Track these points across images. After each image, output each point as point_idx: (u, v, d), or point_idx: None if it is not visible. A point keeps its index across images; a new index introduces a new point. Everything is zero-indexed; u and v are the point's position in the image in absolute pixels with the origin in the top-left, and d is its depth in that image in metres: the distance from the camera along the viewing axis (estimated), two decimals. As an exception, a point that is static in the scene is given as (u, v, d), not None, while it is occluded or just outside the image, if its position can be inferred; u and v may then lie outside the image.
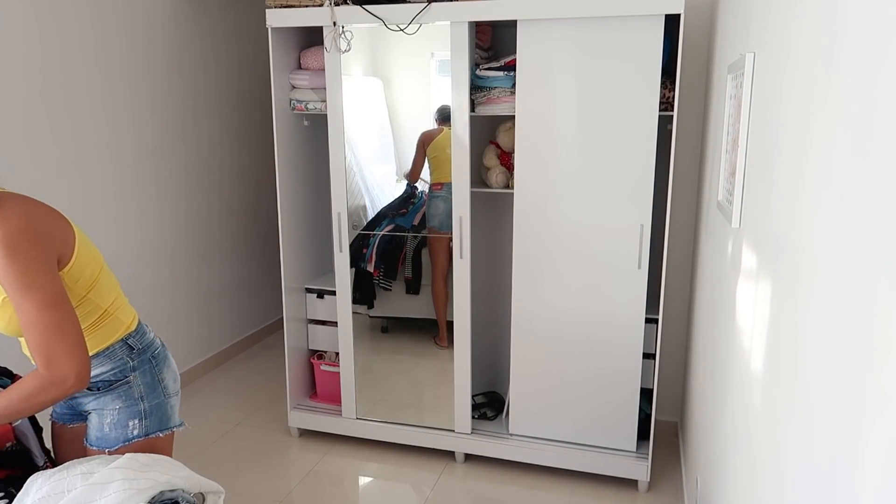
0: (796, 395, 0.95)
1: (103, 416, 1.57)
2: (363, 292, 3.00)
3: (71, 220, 1.47)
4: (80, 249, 1.44)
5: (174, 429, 1.64)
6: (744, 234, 1.48)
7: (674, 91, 2.39)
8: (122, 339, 1.55)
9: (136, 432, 1.57)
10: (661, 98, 2.39)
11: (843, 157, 0.79)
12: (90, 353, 1.47)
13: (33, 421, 1.70)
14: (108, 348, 1.53)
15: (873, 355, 0.66)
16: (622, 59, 2.35)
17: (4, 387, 1.63)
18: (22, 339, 1.44)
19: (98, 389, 1.56)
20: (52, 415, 1.73)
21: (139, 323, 1.62)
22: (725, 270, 1.75)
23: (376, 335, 3.17)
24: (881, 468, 0.62)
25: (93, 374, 1.52)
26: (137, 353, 1.57)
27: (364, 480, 2.83)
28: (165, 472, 1.40)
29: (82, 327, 1.43)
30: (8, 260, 1.27)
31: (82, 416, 1.66)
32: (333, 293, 2.95)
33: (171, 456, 1.66)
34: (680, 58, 2.30)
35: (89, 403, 1.60)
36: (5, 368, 1.77)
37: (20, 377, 1.70)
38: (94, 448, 1.58)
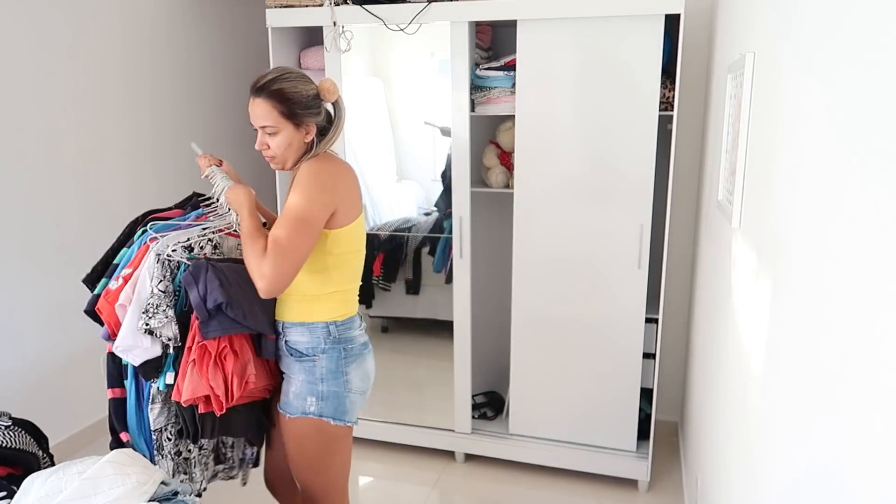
0: (796, 395, 0.95)
1: (290, 382, 1.70)
2: (362, 292, 3.00)
3: (364, 206, 1.70)
4: (353, 229, 1.67)
5: (348, 423, 1.72)
6: (744, 234, 1.48)
7: (674, 91, 2.39)
8: (328, 322, 1.68)
9: (312, 409, 1.68)
10: (661, 98, 2.39)
11: (842, 156, 0.79)
12: (299, 320, 1.68)
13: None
14: (313, 323, 1.68)
15: (873, 355, 0.66)
16: (622, 58, 2.35)
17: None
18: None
19: (290, 355, 1.70)
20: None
21: (353, 318, 1.75)
22: (725, 270, 1.75)
23: (376, 335, 3.17)
24: (881, 468, 0.62)
25: (291, 339, 1.70)
26: (333, 340, 1.69)
27: (364, 480, 2.83)
28: (149, 466, 1.41)
29: (308, 295, 1.67)
30: (300, 187, 1.55)
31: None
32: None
33: (348, 447, 1.78)
34: (680, 58, 2.30)
35: (283, 363, 1.73)
36: (30, 423, 1.78)
37: (38, 429, 1.78)
38: (280, 412, 1.71)
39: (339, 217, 1.62)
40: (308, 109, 1.63)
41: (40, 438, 1.79)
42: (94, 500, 1.26)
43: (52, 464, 1.75)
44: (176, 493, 1.37)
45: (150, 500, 1.30)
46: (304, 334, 1.68)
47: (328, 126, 1.71)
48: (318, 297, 1.67)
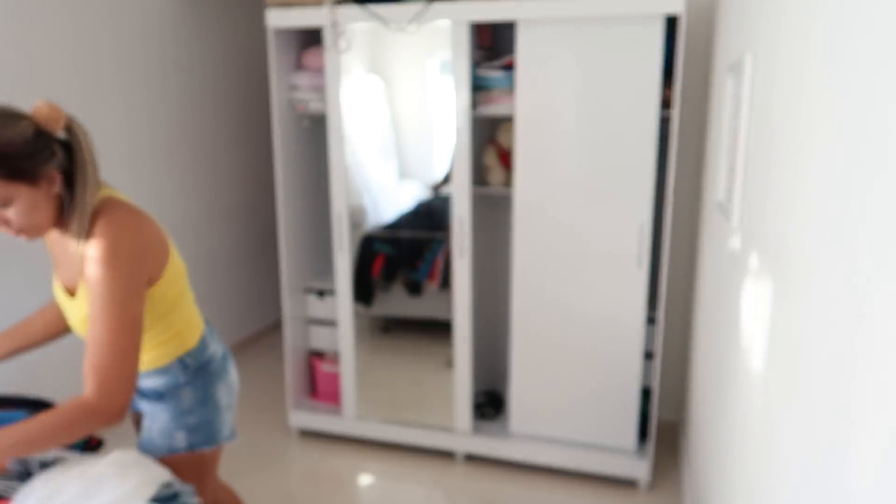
0: (796, 395, 0.95)
1: (153, 421, 1.56)
2: (362, 291, 3.00)
3: (167, 232, 1.46)
4: (171, 267, 1.43)
5: (222, 442, 1.61)
6: (744, 234, 1.48)
7: (674, 91, 2.39)
8: (180, 357, 1.52)
9: (181, 444, 1.54)
10: (661, 98, 2.39)
11: (842, 156, 0.79)
12: (148, 369, 1.50)
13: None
14: (164, 366, 1.51)
15: (873, 355, 0.66)
16: (622, 59, 2.35)
17: (81, 447, 1.62)
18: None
19: (149, 398, 1.56)
20: None
21: (203, 337, 1.58)
22: (725, 270, 1.75)
23: (376, 335, 3.17)
24: (880, 468, 0.62)
25: (146, 385, 1.54)
26: (192, 371, 1.54)
27: (364, 480, 2.83)
28: (151, 466, 1.42)
29: (150, 346, 1.46)
30: (104, 272, 1.25)
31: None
32: (333, 293, 2.95)
33: (216, 467, 1.64)
34: (680, 58, 2.30)
35: (142, 405, 1.60)
36: (46, 402, 1.75)
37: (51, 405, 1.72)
38: (142, 452, 1.56)
39: (154, 272, 1.38)
40: (36, 156, 1.23)
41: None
42: (94, 500, 1.26)
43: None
44: (177, 495, 1.37)
45: (151, 500, 1.31)
46: (160, 378, 1.52)
47: (71, 158, 1.31)
48: (164, 342, 1.49)
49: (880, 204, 0.65)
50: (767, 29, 1.35)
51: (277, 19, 2.67)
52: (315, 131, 3.08)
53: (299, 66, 2.91)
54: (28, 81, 2.67)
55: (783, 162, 1.12)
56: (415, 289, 3.02)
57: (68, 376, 2.95)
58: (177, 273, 1.47)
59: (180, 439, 1.53)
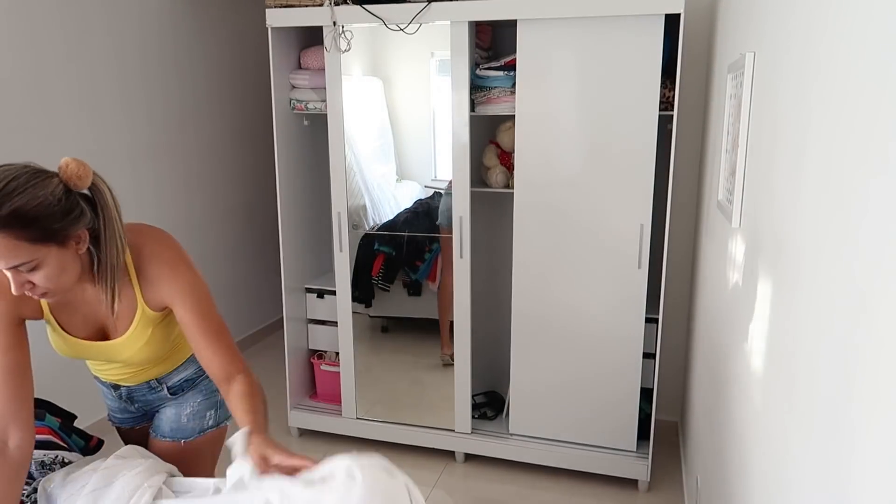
0: (796, 394, 0.95)
1: (182, 407, 1.64)
2: (362, 292, 3.00)
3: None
4: None
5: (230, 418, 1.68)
6: (744, 234, 1.48)
7: (674, 91, 2.39)
8: None
9: (210, 422, 1.65)
10: (661, 98, 2.39)
11: (842, 156, 0.79)
12: (176, 366, 1.61)
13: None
14: (189, 358, 1.63)
15: (873, 354, 0.66)
16: (622, 59, 2.35)
17: (81, 448, 1.67)
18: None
19: (182, 389, 1.64)
20: (112, 420, 1.76)
21: None
22: (726, 270, 1.75)
23: (376, 335, 3.17)
24: (880, 468, 0.62)
25: (175, 380, 1.63)
26: None
27: (364, 480, 2.83)
28: (156, 460, 1.48)
29: (175, 347, 1.59)
30: (188, 273, 1.39)
31: (147, 416, 1.71)
32: (333, 293, 2.95)
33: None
34: (680, 58, 2.30)
35: (166, 403, 1.66)
36: (45, 401, 1.76)
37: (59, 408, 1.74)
38: (167, 440, 1.62)
39: None
40: (66, 218, 1.19)
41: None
42: (112, 486, 1.33)
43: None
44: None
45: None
46: (186, 369, 1.63)
47: (97, 216, 1.27)
48: (183, 339, 1.58)
49: (881, 204, 0.65)
50: (768, 28, 1.35)
51: (277, 19, 2.67)
52: (315, 131, 3.08)
53: (299, 65, 2.91)
54: (28, 82, 2.67)
55: (783, 162, 1.12)
56: (414, 289, 3.02)
57: (68, 376, 2.95)
58: None
59: (211, 416, 1.64)
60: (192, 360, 1.63)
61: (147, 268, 1.37)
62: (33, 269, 1.19)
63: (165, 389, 1.63)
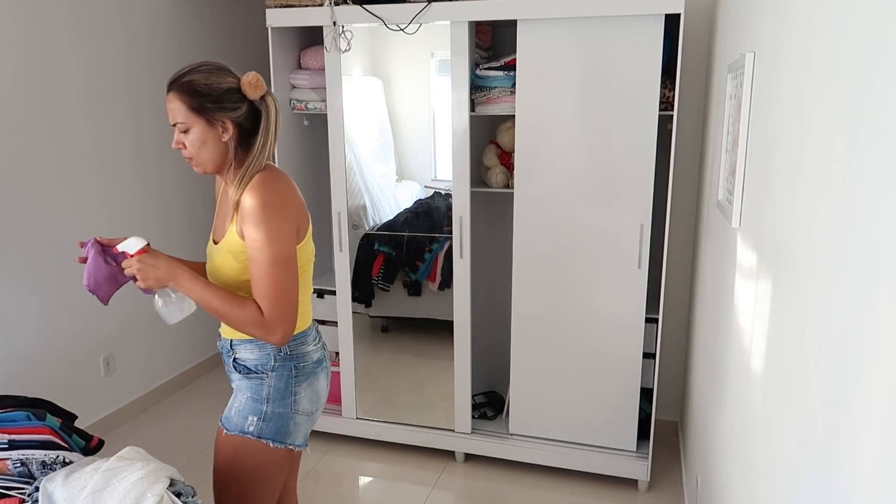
0: (796, 394, 0.95)
1: (236, 397, 1.61)
2: (362, 291, 3.00)
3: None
4: (307, 242, 1.59)
5: (290, 446, 1.59)
6: (744, 234, 1.48)
7: (674, 91, 2.39)
8: None
9: (251, 429, 1.56)
10: (661, 98, 2.39)
11: (842, 156, 0.79)
12: (250, 338, 1.57)
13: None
14: (257, 340, 1.58)
15: (873, 354, 0.66)
16: (622, 58, 2.35)
17: (81, 448, 1.69)
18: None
19: (238, 372, 1.61)
20: None
21: (306, 331, 1.63)
22: (725, 270, 1.75)
23: (376, 335, 3.17)
24: (880, 468, 0.62)
25: (240, 357, 1.60)
26: (284, 357, 1.57)
27: (364, 480, 2.83)
28: (156, 463, 1.46)
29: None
30: (260, 214, 1.42)
31: None
32: (333, 293, 2.95)
33: (281, 480, 1.65)
34: (680, 58, 2.30)
35: (233, 376, 1.64)
36: (45, 401, 1.76)
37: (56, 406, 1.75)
38: (219, 425, 1.62)
39: (298, 234, 1.53)
40: (220, 104, 1.46)
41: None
42: (113, 487, 1.33)
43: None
44: (179, 494, 1.38)
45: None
46: (253, 351, 1.57)
47: (255, 128, 1.52)
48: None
49: (881, 204, 0.65)
50: (768, 28, 1.35)
51: (277, 19, 2.67)
52: (315, 131, 3.08)
53: (299, 65, 2.91)
54: (34, 80, 2.67)
55: (783, 162, 1.12)
56: (414, 289, 3.02)
57: (67, 377, 2.95)
58: (309, 249, 1.60)
59: (252, 423, 1.56)
60: (262, 347, 1.56)
61: (244, 199, 1.46)
62: (185, 132, 1.47)
63: (233, 361, 1.60)
